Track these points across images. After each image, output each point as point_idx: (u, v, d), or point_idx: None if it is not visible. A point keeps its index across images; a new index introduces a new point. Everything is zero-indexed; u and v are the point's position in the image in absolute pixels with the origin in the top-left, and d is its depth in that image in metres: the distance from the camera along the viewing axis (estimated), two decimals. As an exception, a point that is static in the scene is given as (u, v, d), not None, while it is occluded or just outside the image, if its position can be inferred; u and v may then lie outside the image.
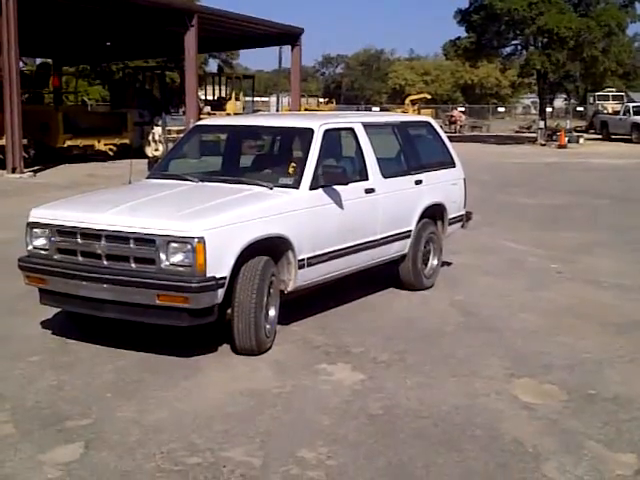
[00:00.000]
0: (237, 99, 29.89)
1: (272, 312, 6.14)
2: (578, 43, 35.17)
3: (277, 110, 46.79)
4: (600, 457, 4.29)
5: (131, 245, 5.65)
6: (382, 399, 5.11)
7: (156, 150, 25.47)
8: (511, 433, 4.59)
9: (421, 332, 6.64)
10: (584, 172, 22.30)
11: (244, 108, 30.48)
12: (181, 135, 25.78)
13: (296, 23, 32.83)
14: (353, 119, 7.80)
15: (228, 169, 7.71)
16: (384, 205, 7.43)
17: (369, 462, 4.23)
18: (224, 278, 5.63)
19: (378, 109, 60.32)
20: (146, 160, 14.54)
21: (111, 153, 24.50)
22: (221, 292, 5.64)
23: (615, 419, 4.80)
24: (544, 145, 34.82)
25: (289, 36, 30.47)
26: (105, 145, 24.48)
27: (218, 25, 27.54)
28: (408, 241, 7.87)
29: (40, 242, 6.11)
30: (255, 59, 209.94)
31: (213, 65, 58.58)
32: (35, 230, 6.14)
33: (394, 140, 8.13)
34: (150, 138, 25.55)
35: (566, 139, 33.62)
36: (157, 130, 25.49)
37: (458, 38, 39.99)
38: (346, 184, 6.82)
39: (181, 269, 5.53)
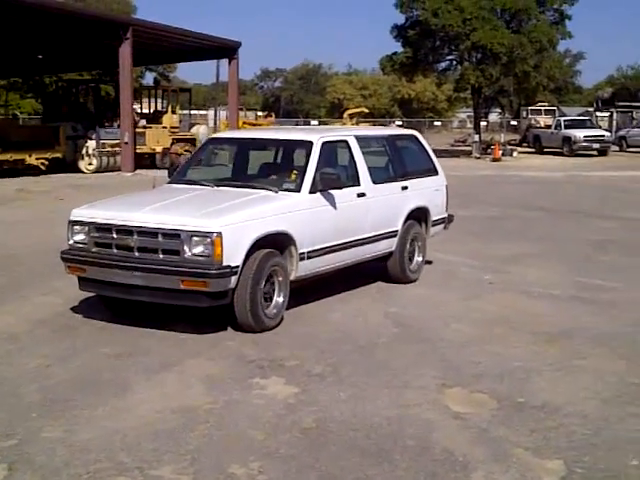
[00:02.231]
0: (174, 112, 29.59)
1: (280, 298, 7.14)
2: (511, 59, 35.91)
3: (214, 124, 46.59)
4: (527, 464, 4.35)
5: (159, 239, 6.71)
6: (315, 412, 5.10)
7: (90, 164, 25.17)
8: (441, 443, 4.62)
9: (355, 344, 6.66)
10: (517, 185, 22.73)
11: (181, 121, 30.21)
12: (116, 149, 25.66)
13: (233, 37, 32.72)
14: (347, 132, 9.05)
15: (238, 176, 8.67)
16: (374, 208, 8.42)
17: (300, 476, 4.22)
18: (237, 267, 6.65)
19: (317, 123, 60.56)
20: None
21: (43, 167, 24.03)
22: (234, 279, 6.65)
23: (543, 427, 4.87)
24: (479, 158, 35.41)
25: (226, 50, 30.40)
26: (37, 159, 23.99)
27: (154, 38, 27.37)
28: (395, 240, 8.83)
29: (79, 237, 7.22)
30: (193, 72, 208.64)
31: (150, 78, 58.08)
32: (75, 227, 7.28)
33: (383, 151, 9.20)
34: (84, 152, 25.26)
35: (500, 152, 34.24)
36: (91, 144, 25.19)
37: (395, 53, 40.45)
38: (340, 189, 7.87)
39: (202, 259, 6.56)
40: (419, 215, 9.28)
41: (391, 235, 8.76)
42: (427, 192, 9.44)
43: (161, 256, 6.70)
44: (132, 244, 6.83)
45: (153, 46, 29.30)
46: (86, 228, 7.18)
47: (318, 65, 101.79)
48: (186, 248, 6.59)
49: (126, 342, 6.63)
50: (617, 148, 39.45)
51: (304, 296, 8.16)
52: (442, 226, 9.96)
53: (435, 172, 9.76)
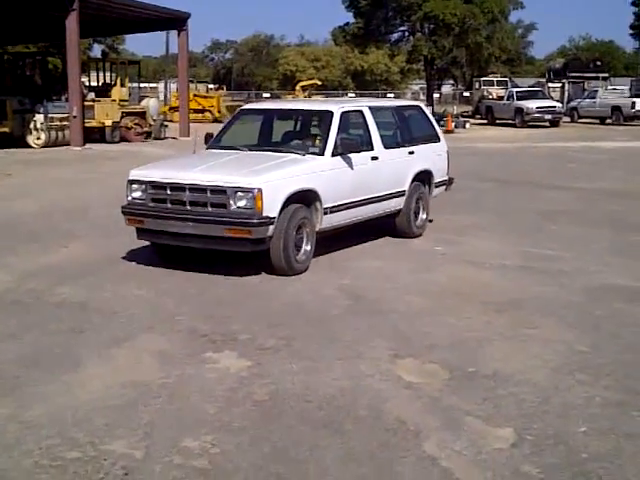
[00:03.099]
0: (122, 85, 29.09)
1: (307, 247, 8.26)
2: (463, 30, 36.12)
3: (165, 96, 46.00)
4: (479, 432, 4.42)
5: (208, 194, 7.80)
6: (268, 385, 5.11)
7: (38, 139, 24.67)
8: (394, 413, 4.67)
9: (308, 317, 6.67)
10: (469, 156, 22.86)
11: (130, 94, 29.75)
12: (65, 123, 25.17)
13: (183, 8, 32.19)
14: (362, 103, 10.08)
15: (267, 141, 9.78)
16: (385, 170, 9.53)
17: (253, 448, 4.23)
18: (274, 218, 7.73)
19: (269, 95, 60.19)
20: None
21: (-10, 142, 23.51)
22: (272, 228, 7.74)
23: (493, 395, 4.95)
24: (432, 130, 35.50)
25: (175, 21, 29.95)
26: (-17, 134, 23.47)
27: (101, 9, 26.79)
28: (403, 199, 9.92)
29: (137, 194, 8.27)
30: (142, 45, 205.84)
31: (98, 50, 57.02)
32: (133, 185, 8.30)
33: (392, 119, 10.29)
34: (32, 126, 24.72)
35: (453, 124, 34.36)
36: (39, 118, 24.67)
37: (347, 24, 40.35)
38: (357, 153, 8.98)
39: (245, 211, 7.65)
40: (424, 177, 10.38)
41: (399, 194, 9.84)
42: (430, 157, 10.57)
43: (210, 209, 7.80)
44: (185, 199, 7.92)
45: (100, 17, 28.70)
46: (143, 186, 8.22)
47: (269, 36, 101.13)
48: (232, 202, 7.67)
49: (77, 318, 6.56)
50: (569, 119, 39.89)
51: (256, 269, 8.16)
52: (444, 188, 11.10)
53: (437, 139, 10.91)
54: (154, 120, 28.94)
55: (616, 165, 20.33)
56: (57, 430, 4.41)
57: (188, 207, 7.91)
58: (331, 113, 9.05)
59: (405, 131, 10.37)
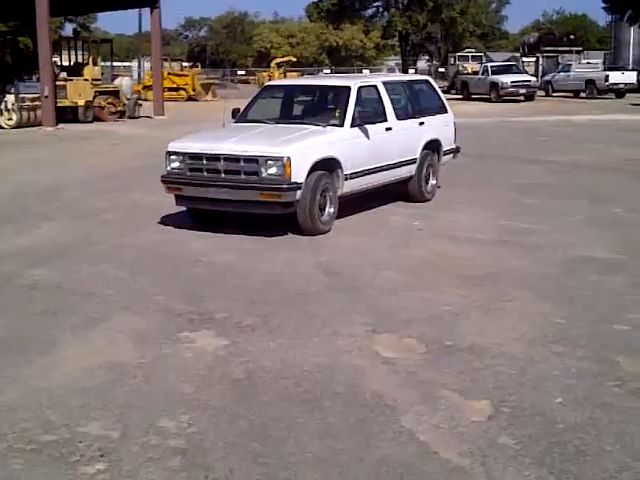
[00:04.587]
0: (95, 64, 28.72)
1: (331, 209, 9.02)
2: (437, 4, 36.09)
3: (139, 75, 45.54)
4: (456, 406, 4.42)
5: (242, 163, 8.56)
6: (245, 363, 5.08)
7: (9, 120, 24.34)
8: (371, 388, 4.66)
9: (285, 294, 6.64)
10: (445, 131, 22.84)
11: (103, 74, 29.39)
12: (36, 103, 24.83)
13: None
14: (376, 79, 10.97)
15: (289, 115, 10.49)
16: (398, 139, 10.25)
17: (231, 426, 4.21)
18: (301, 183, 8.47)
19: (244, 72, 59.78)
20: None
21: (-40, 124, 23.18)
22: (299, 192, 8.47)
23: (470, 368, 4.96)
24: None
25: (148, -2, 29.58)
26: (-47, 116, 23.11)
27: (72, -14, 26.41)
28: (414, 166, 10.65)
29: (175, 164, 8.99)
30: (115, 22, 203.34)
31: (69, 29, 56.28)
32: (172, 157, 9.01)
33: (404, 93, 11.13)
34: (2, 107, 24.37)
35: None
36: (10, 98, 24.32)
37: (321, 0, 40.05)
38: (373, 124, 9.74)
39: (276, 177, 8.41)
40: (433, 146, 11.08)
41: (411, 162, 10.57)
42: (439, 127, 11.31)
43: (243, 176, 8.55)
44: (220, 168, 8.66)
45: (72, -5, 28.31)
46: (181, 157, 8.94)
47: (244, 13, 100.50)
48: (263, 170, 8.42)
49: (51, 300, 6.49)
50: (543, 93, 40.01)
51: (232, 247, 8.12)
52: (451, 156, 11.89)
53: (445, 110, 11.68)
54: (128, 99, 28.66)
55: (590, 138, 20.40)
56: (31, 413, 4.36)
57: (223, 175, 8.64)
58: (349, 88, 9.77)
59: (415, 103, 11.14)
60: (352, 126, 9.43)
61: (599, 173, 13.83)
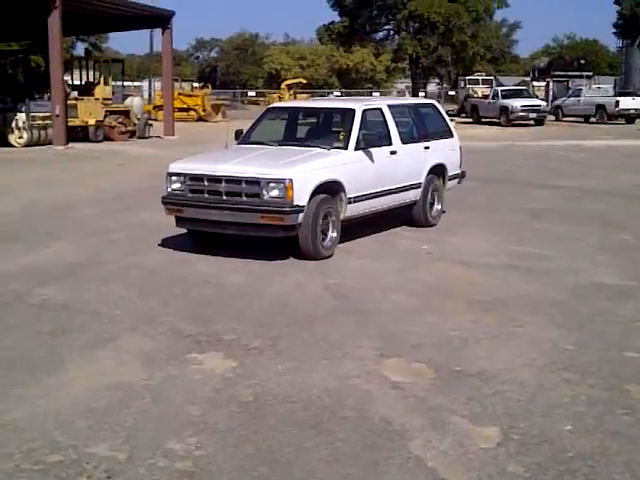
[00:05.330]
0: (106, 84, 28.93)
1: (333, 234, 8.87)
2: (448, 28, 36.23)
3: (149, 95, 45.80)
4: (464, 432, 4.39)
5: (243, 185, 8.46)
6: (253, 386, 5.06)
7: (20, 138, 24.46)
8: (380, 413, 4.64)
9: (294, 317, 6.63)
10: (454, 154, 22.85)
11: (114, 93, 29.58)
12: (47, 122, 24.96)
13: (167, 6, 32.11)
14: (381, 102, 10.95)
15: (293, 137, 10.49)
16: (403, 163, 10.16)
17: (238, 450, 4.18)
18: (303, 206, 8.36)
19: (254, 94, 60.03)
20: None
21: (-29, 142, 23.32)
22: (301, 215, 8.37)
23: (479, 394, 4.92)
24: (417, 129, 35.39)
25: (159, 19, 29.83)
26: (-36, 134, 23.24)
27: (84, 7, 26.64)
28: (419, 190, 10.56)
29: (176, 185, 8.91)
30: (126, 42, 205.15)
31: (81, 49, 56.76)
32: (173, 178, 8.94)
33: (409, 117, 11.04)
34: (14, 125, 24.51)
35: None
36: (21, 117, 24.46)
37: (332, 23, 40.36)
38: (378, 147, 9.66)
39: (277, 200, 8.31)
40: (438, 170, 10.99)
41: (416, 186, 10.48)
42: (444, 151, 11.20)
43: (244, 198, 8.44)
44: (221, 190, 8.56)
45: (84, 15, 28.52)
46: (182, 178, 8.86)
47: (255, 35, 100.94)
48: (264, 192, 8.32)
49: (59, 319, 6.49)
50: (553, 117, 40.03)
51: (240, 269, 8.11)
52: (457, 181, 11.72)
53: (451, 135, 11.61)
54: (138, 119, 28.80)
55: (600, 163, 20.38)
56: (38, 433, 4.35)
57: (224, 197, 8.54)
58: (353, 111, 9.72)
59: (421, 127, 11.06)
60: (356, 149, 9.36)
61: (609, 199, 13.80)
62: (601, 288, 7.63)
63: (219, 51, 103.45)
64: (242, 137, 10.31)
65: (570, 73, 47.47)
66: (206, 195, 8.69)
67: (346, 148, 9.32)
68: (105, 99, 28.14)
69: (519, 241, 9.86)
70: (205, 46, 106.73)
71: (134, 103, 29.48)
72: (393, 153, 9.98)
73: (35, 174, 17.49)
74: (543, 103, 39.38)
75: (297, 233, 8.45)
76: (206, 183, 8.69)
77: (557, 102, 42.01)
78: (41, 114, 24.71)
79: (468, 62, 45.15)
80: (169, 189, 8.97)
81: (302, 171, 8.52)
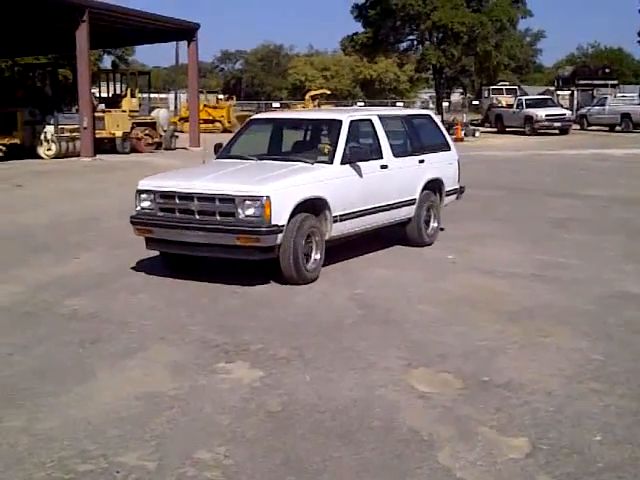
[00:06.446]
0: (133, 96, 29.21)
1: (317, 256, 8.20)
2: (472, 38, 36.10)
3: (175, 107, 46.15)
4: (493, 442, 4.38)
5: (217, 203, 7.78)
6: (281, 395, 5.09)
7: (49, 150, 24.75)
8: (407, 423, 4.64)
9: (320, 327, 6.65)
10: (479, 164, 22.82)
11: (140, 105, 29.86)
12: (75, 134, 25.22)
13: (192, 18, 32.31)
14: (371, 112, 10.06)
15: (276, 151, 9.79)
16: (395, 178, 9.46)
17: (267, 459, 4.21)
18: (283, 226, 7.70)
19: (278, 105, 60.26)
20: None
21: (1, 153, 23.61)
22: (280, 236, 7.71)
23: (507, 404, 4.91)
24: (441, 138, 35.32)
25: (185, 32, 30.08)
26: (-6, 145, 23.56)
27: (111, 20, 26.99)
28: (413, 207, 9.88)
29: (146, 204, 8.27)
30: (152, 55, 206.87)
31: (108, 61, 57.33)
32: (142, 195, 8.30)
33: (402, 128, 10.26)
34: (42, 137, 24.81)
35: (462, 132, 34.35)
36: (49, 129, 24.76)
37: (355, 34, 40.40)
38: (366, 161, 8.93)
39: (254, 219, 7.63)
40: (434, 186, 10.32)
41: (410, 203, 9.79)
42: (441, 165, 10.50)
43: (218, 218, 7.78)
44: (193, 208, 7.92)
45: (111, 29, 28.88)
46: (152, 196, 8.22)
47: (279, 46, 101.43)
48: (240, 210, 7.66)
49: (89, 329, 6.56)
50: (578, 127, 39.83)
51: (267, 279, 8.14)
52: (454, 196, 10.97)
53: (448, 147, 10.86)
54: (164, 130, 29.04)
55: (626, 172, 20.24)
56: (69, 442, 4.40)
57: (197, 216, 7.91)
58: (340, 122, 9.04)
59: (415, 140, 10.30)
60: (342, 163, 8.65)
61: (636, 208, 13.70)
62: (629, 298, 7.58)
63: (244, 63, 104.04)
64: (221, 151, 9.65)
65: (595, 82, 47.14)
66: (177, 214, 8.05)
67: (331, 162, 8.63)
68: (132, 111, 28.40)
69: (545, 250, 9.82)
70: (230, 58, 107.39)
71: (160, 115, 29.73)
72: (384, 167, 9.28)
73: (64, 186, 17.68)
74: (568, 112, 39.22)
75: (276, 255, 7.83)
76: (177, 201, 8.04)
77: (582, 111, 41.79)
78: (69, 126, 24.99)
79: (492, 72, 45.02)
80: (138, 207, 8.36)
81: (281, 187, 7.87)
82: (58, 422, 4.68)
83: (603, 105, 39.85)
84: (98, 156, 24.52)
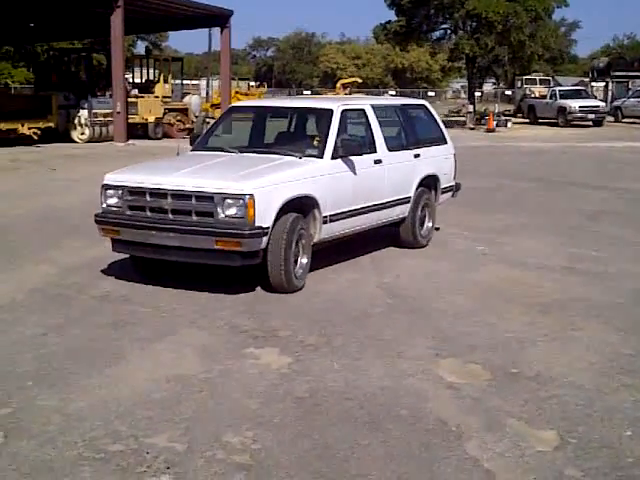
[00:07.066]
0: (166, 82, 29.38)
1: (304, 260, 7.44)
2: (506, 28, 35.69)
3: (207, 94, 46.27)
4: (521, 434, 4.37)
5: (193, 201, 6.95)
6: (309, 382, 5.11)
7: (82, 134, 25.00)
8: (435, 413, 4.64)
9: (349, 315, 6.66)
10: (511, 156, 22.70)
11: (173, 91, 30.01)
12: (108, 119, 25.44)
13: (226, 5, 32.41)
14: (364, 102, 9.22)
15: (259, 143, 8.89)
16: (389, 174, 8.68)
17: (294, 445, 4.23)
18: (268, 228, 6.92)
19: (309, 93, 60.14)
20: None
21: (35, 137, 23.87)
22: (265, 239, 6.94)
23: (536, 397, 4.89)
24: (473, 129, 35.19)
25: (218, 18, 30.15)
26: (29, 129, 23.82)
27: (145, 6, 27.08)
28: (408, 206, 9.08)
29: (113, 201, 7.41)
30: (185, 41, 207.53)
31: (141, 47, 57.59)
32: (109, 191, 7.44)
33: (396, 119, 9.41)
34: (76, 122, 25.08)
35: (494, 123, 34.09)
36: (83, 113, 25.00)
37: (388, 22, 40.17)
38: (359, 155, 8.15)
39: (235, 220, 6.81)
40: (430, 182, 9.55)
41: (405, 201, 9.03)
42: (437, 160, 9.72)
43: (195, 218, 6.98)
44: (166, 207, 7.09)
45: (145, 14, 28.99)
46: (119, 192, 7.38)
47: (311, 34, 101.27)
48: (219, 210, 6.85)
49: (120, 312, 6.63)
50: (612, 119, 39.35)
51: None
52: (450, 194, 10.21)
53: (444, 141, 10.04)
54: (196, 116, 29.16)
55: (662, 166, 19.98)
56: (100, 422, 4.46)
57: (170, 216, 7.06)
58: (330, 111, 8.20)
59: (410, 132, 9.42)
60: (333, 157, 7.84)
61: (670, 202, 13.53)
62: (662, 293, 7.50)
63: (275, 50, 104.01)
64: (197, 142, 8.78)
65: (630, 73, 46.47)
66: (148, 213, 7.18)
67: (321, 156, 7.83)
68: (164, 97, 28.58)
69: (577, 243, 9.74)
70: (262, 45, 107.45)
71: (192, 101, 29.88)
72: (378, 162, 8.48)
73: (97, 169, 17.71)
74: (602, 104, 38.73)
75: (260, 261, 7.08)
76: (148, 198, 7.17)
77: (616, 103, 41.24)
78: (102, 111, 25.22)
79: (525, 62, 44.48)
80: (104, 205, 7.48)
81: (266, 184, 7.02)
82: (90, 402, 4.75)
83: (638, 97, 39.31)
84: (131, 141, 24.71)
